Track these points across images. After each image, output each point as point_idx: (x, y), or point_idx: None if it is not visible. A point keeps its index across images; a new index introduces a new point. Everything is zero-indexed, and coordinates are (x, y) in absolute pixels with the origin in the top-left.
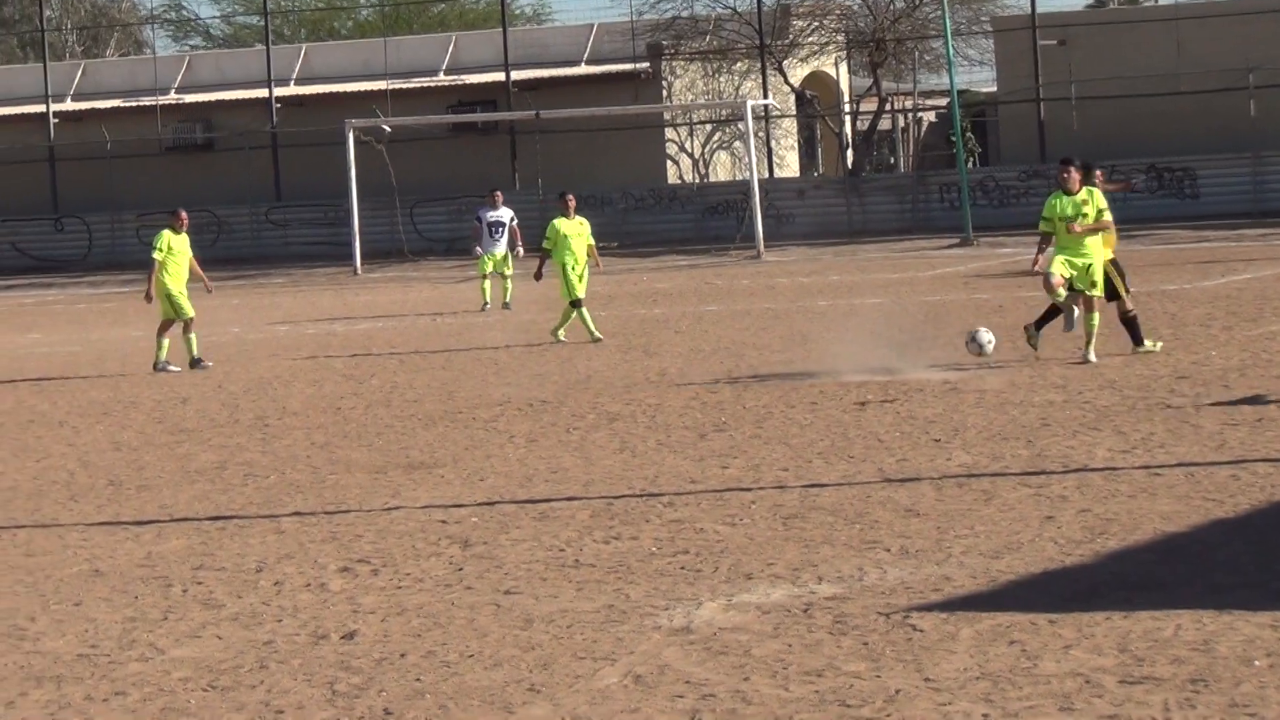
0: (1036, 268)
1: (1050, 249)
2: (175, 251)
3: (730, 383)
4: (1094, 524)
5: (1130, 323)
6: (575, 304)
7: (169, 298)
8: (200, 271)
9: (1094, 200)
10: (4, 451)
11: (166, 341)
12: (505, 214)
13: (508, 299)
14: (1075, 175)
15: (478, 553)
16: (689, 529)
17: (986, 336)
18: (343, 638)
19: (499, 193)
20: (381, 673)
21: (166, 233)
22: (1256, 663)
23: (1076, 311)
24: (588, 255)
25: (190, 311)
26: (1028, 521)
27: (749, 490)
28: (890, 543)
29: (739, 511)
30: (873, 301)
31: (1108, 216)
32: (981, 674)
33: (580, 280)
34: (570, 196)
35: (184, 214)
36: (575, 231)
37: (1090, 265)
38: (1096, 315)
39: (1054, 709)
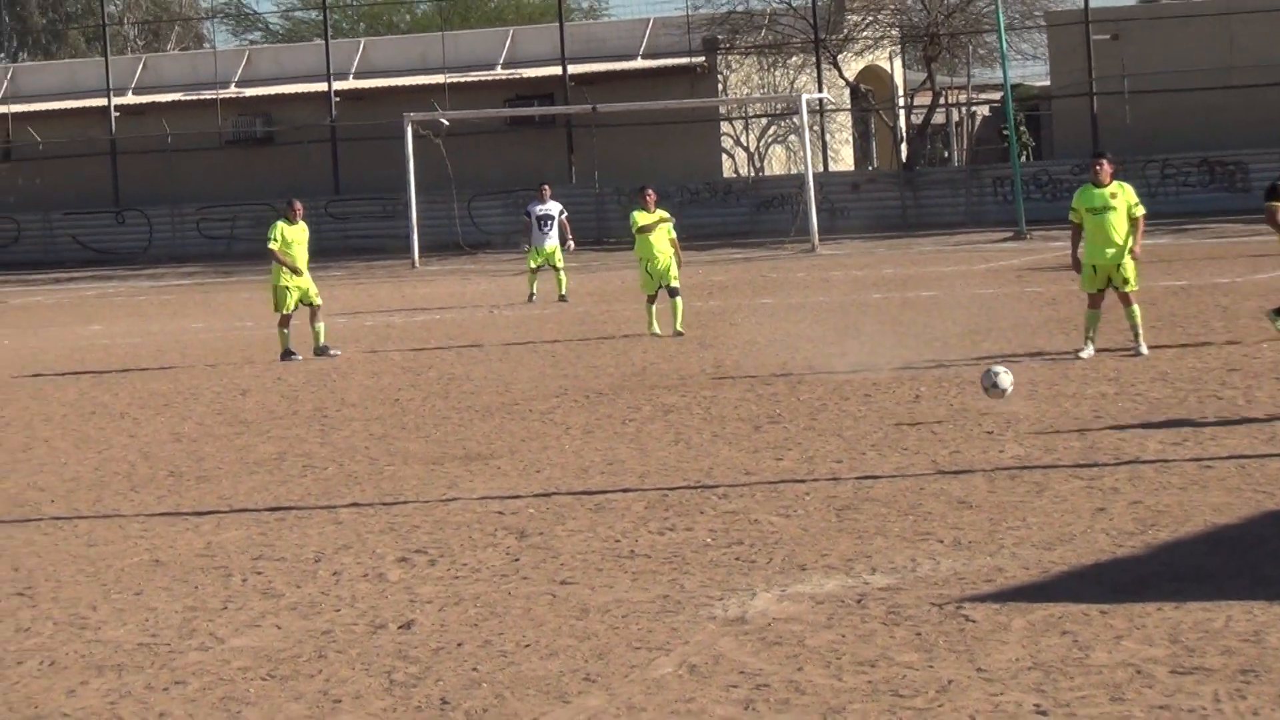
0: (1076, 262)
1: (1083, 243)
2: (290, 241)
3: (784, 375)
4: (1145, 516)
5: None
6: (651, 299)
7: (280, 288)
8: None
9: (1124, 194)
10: (66, 443)
11: (288, 332)
12: (554, 207)
13: (563, 291)
14: (1107, 168)
15: (534, 543)
16: (743, 520)
17: (1007, 380)
18: (400, 627)
19: (547, 186)
20: (439, 662)
21: (281, 223)
22: None
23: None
24: (670, 247)
25: (315, 298)
26: (1079, 513)
27: (803, 482)
28: (943, 534)
29: (793, 503)
30: (927, 295)
31: (1139, 211)
32: (1033, 664)
33: (654, 274)
34: (650, 190)
35: (298, 204)
36: (654, 224)
37: (1121, 263)
38: (1136, 308)
39: (1105, 699)
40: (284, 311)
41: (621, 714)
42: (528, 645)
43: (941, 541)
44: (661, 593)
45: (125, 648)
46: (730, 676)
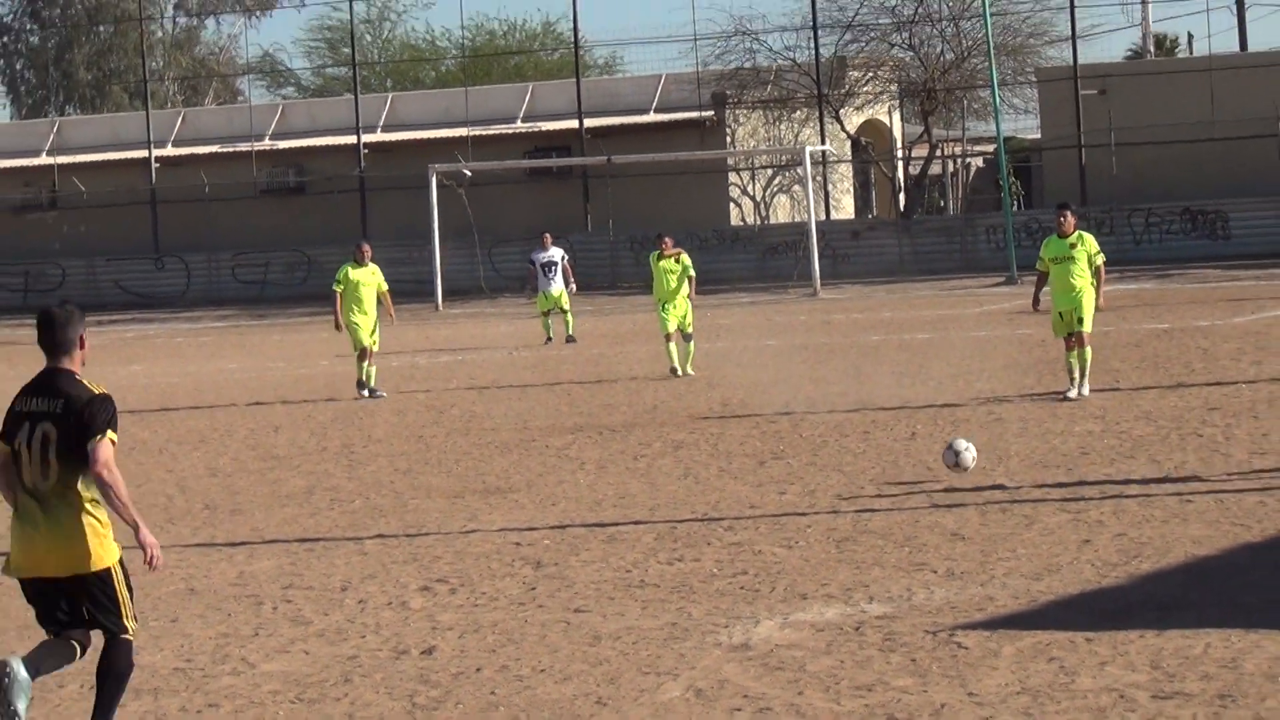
0: (1039, 307)
1: (1047, 288)
2: (356, 282)
3: (788, 414)
4: (1128, 547)
5: None
6: (668, 337)
7: (349, 325)
8: (390, 303)
9: (1084, 244)
10: None
11: (366, 365)
12: (556, 253)
13: (570, 332)
14: (1070, 219)
15: (549, 573)
16: (748, 551)
17: (969, 457)
18: (422, 653)
19: (548, 235)
20: (459, 686)
21: (347, 266)
22: None
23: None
24: (686, 288)
25: (367, 342)
26: (1066, 545)
27: (805, 515)
28: (937, 565)
29: (795, 535)
30: (923, 337)
31: (1100, 259)
32: (1022, 689)
33: (671, 315)
34: (667, 238)
35: (366, 246)
36: (671, 268)
37: (1079, 306)
38: (1089, 350)
39: None
40: (356, 349)
41: None
42: (543, 670)
43: (935, 572)
44: (670, 620)
45: (161, 672)
46: (734, 700)
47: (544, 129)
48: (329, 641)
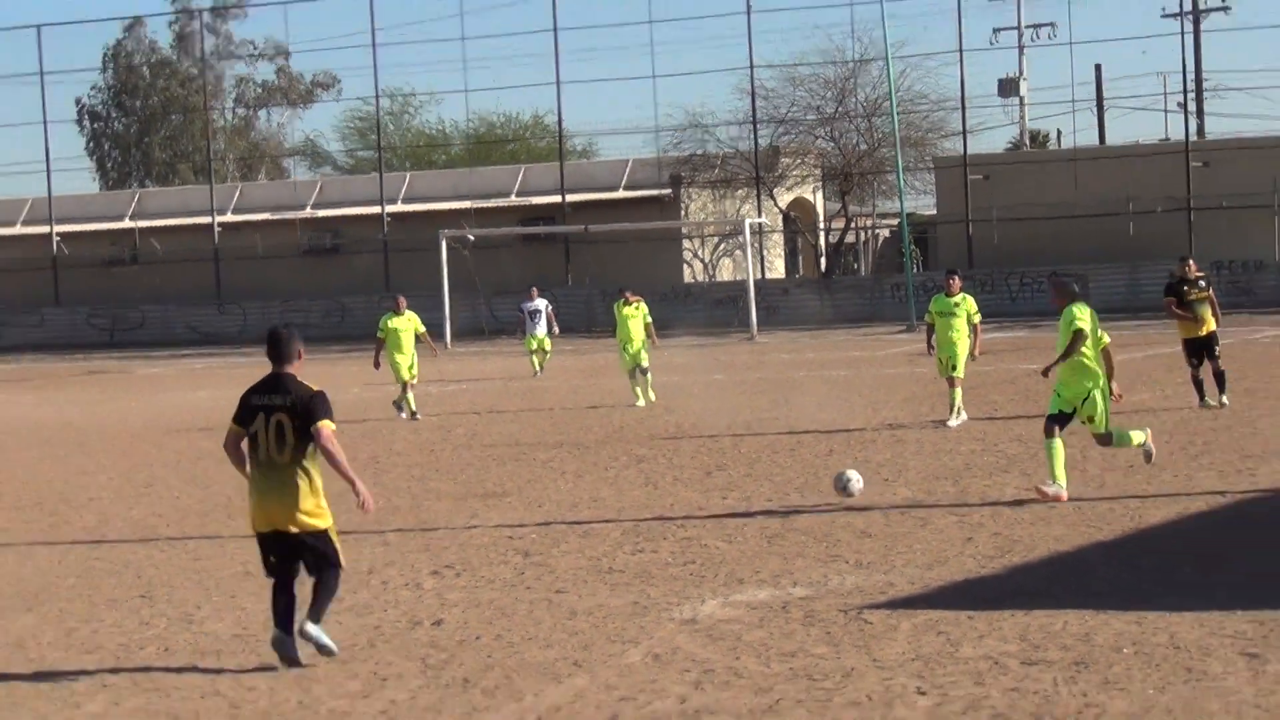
0: (931, 353)
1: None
2: (395, 329)
3: (729, 435)
4: (1003, 544)
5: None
6: (630, 373)
7: (392, 364)
8: (430, 340)
9: (965, 304)
10: (179, 481)
11: (408, 394)
12: (541, 304)
13: (539, 367)
14: (956, 283)
15: (535, 561)
16: (696, 544)
17: (856, 486)
18: (433, 624)
19: (535, 288)
20: (462, 651)
21: (387, 316)
22: (1124, 650)
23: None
24: (645, 333)
25: (406, 376)
26: (952, 541)
27: (742, 516)
28: (848, 556)
29: (734, 532)
30: (841, 373)
31: (977, 318)
32: (916, 656)
33: (634, 355)
34: (628, 292)
35: (402, 299)
36: (631, 314)
37: (954, 355)
38: (959, 390)
39: (970, 683)
40: (399, 382)
41: (601, 691)
42: (530, 639)
43: (847, 562)
44: (633, 599)
45: (223, 638)
46: (685, 663)
47: (533, 202)
48: (357, 614)
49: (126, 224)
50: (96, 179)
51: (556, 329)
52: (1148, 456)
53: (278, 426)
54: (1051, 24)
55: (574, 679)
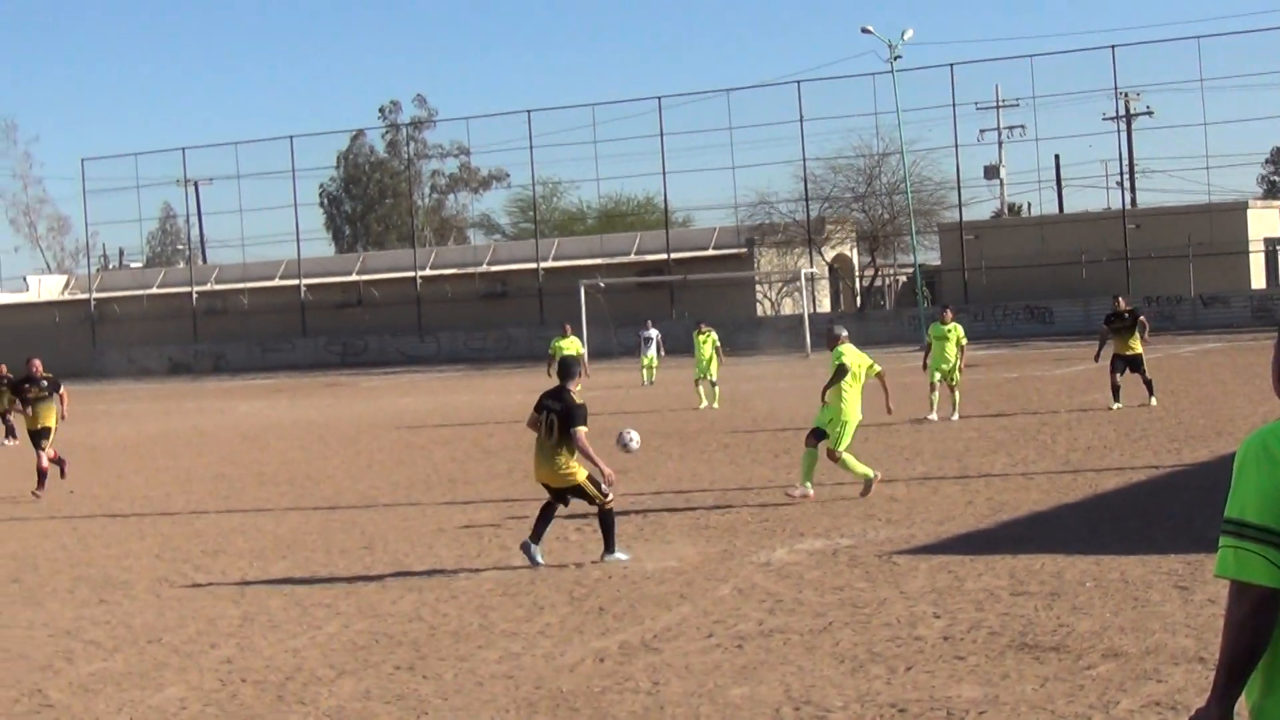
0: (925, 368)
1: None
2: (561, 348)
3: (792, 428)
4: (995, 506)
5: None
6: (698, 382)
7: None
8: (584, 361)
9: (956, 331)
10: (391, 463)
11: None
12: (653, 333)
13: (653, 379)
14: (949, 314)
15: (651, 520)
16: (769, 508)
17: (628, 437)
18: (576, 566)
19: (649, 321)
20: (598, 586)
21: (557, 337)
22: (1087, 584)
23: None
24: (715, 354)
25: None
26: (957, 504)
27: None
28: (881, 515)
29: (797, 498)
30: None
31: (964, 341)
32: (932, 589)
33: (704, 369)
34: (703, 324)
35: (568, 326)
36: (704, 340)
37: (947, 370)
38: (958, 393)
39: (972, 609)
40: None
41: (700, 615)
42: (648, 577)
43: (880, 520)
44: (722, 548)
45: (424, 576)
46: (761, 595)
47: (647, 259)
48: (521, 560)
49: (353, 277)
50: (331, 245)
51: (663, 351)
52: (866, 489)
53: (550, 421)
54: (1022, 126)
55: (680, 607)
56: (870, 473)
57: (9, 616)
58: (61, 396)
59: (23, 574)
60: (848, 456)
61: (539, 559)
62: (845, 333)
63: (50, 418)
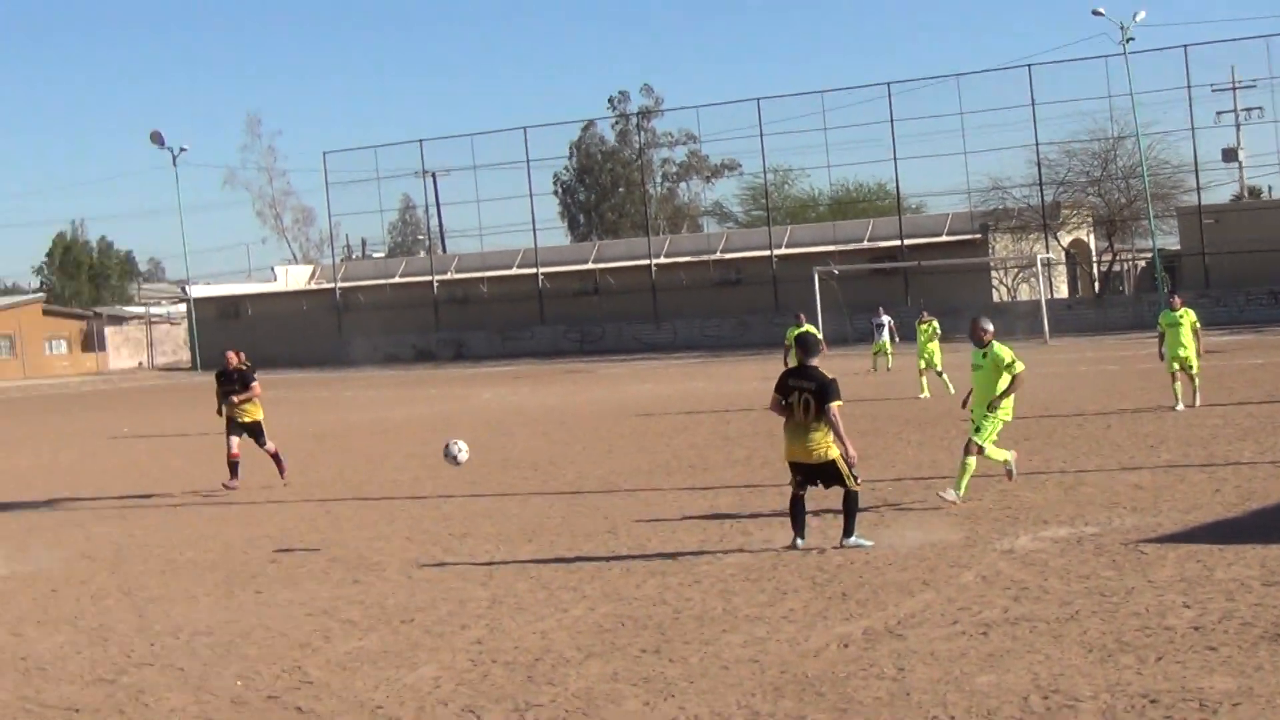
0: (1162, 358)
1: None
2: (795, 336)
3: (1032, 415)
4: (1244, 494)
5: None
6: (922, 371)
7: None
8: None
9: (1186, 316)
10: (631, 448)
11: None
12: (886, 320)
13: (885, 367)
14: (1178, 301)
15: (893, 504)
16: (1010, 495)
17: (455, 449)
18: (818, 552)
19: (881, 308)
20: (840, 573)
21: (791, 327)
22: None
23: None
24: (932, 340)
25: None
26: (1204, 492)
27: (1043, 473)
28: (1126, 504)
29: (1038, 485)
30: (1111, 368)
31: (1197, 325)
32: (1181, 578)
33: (928, 359)
34: (925, 312)
35: (801, 315)
36: (924, 330)
37: (1181, 357)
38: (1197, 379)
39: (1223, 599)
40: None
41: (944, 602)
42: (890, 563)
43: (1125, 508)
44: (965, 534)
45: (668, 560)
46: (1005, 583)
47: (879, 245)
48: (765, 544)
49: (589, 266)
50: (567, 234)
51: (897, 338)
52: (1009, 473)
53: (805, 400)
54: (1260, 107)
55: (924, 593)
56: (1010, 456)
57: (269, 595)
58: (251, 387)
59: (281, 555)
60: (991, 448)
61: (801, 544)
62: (992, 327)
63: (255, 411)
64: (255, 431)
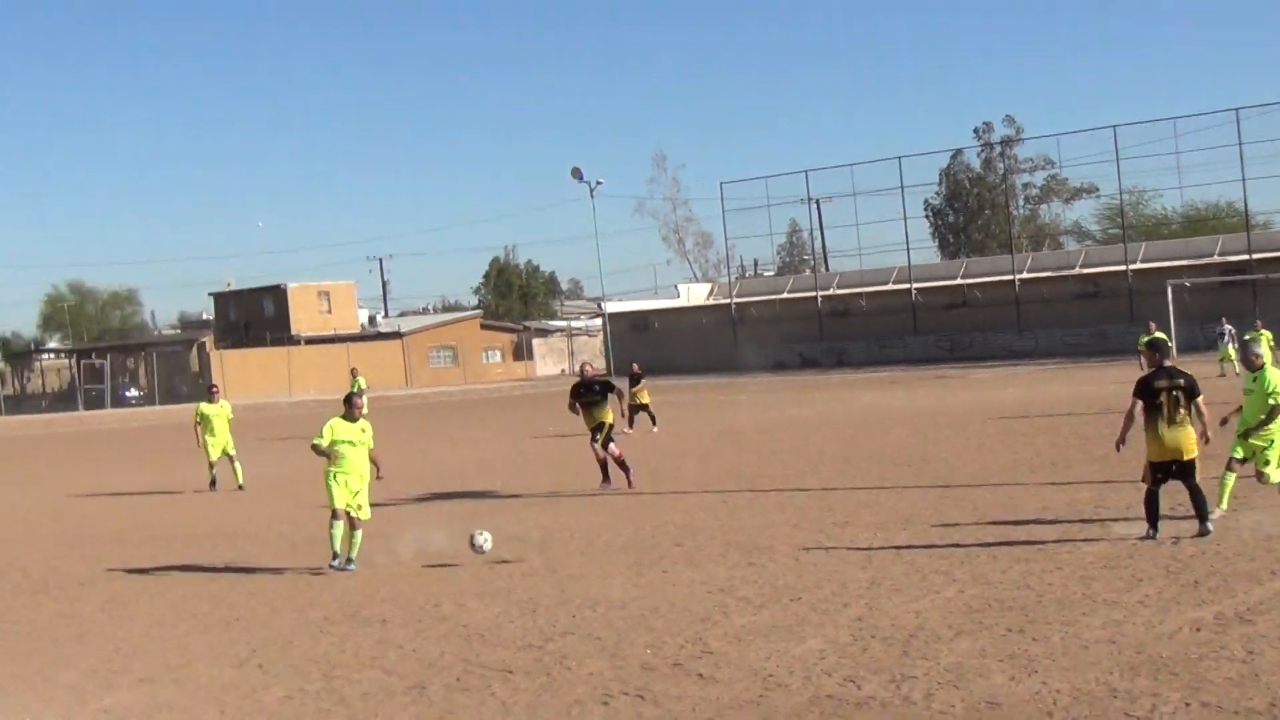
0: None
1: None
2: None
3: None
4: None
5: None
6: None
7: None
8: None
9: None
10: (997, 445)
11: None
12: (1228, 328)
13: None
14: None
15: (1234, 496)
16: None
17: (480, 540)
18: (1172, 543)
19: (1224, 318)
20: (1193, 562)
21: (1141, 335)
22: None
23: None
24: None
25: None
26: None
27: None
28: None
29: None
30: None
31: None
32: None
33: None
34: (1259, 321)
35: (1153, 324)
36: (1249, 339)
37: None
38: None
39: None
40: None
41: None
42: (1239, 554)
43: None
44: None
45: (1030, 546)
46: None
47: (1229, 260)
48: (1125, 536)
49: (958, 281)
50: (937, 253)
51: (1235, 345)
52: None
53: (1174, 398)
54: None
55: (1272, 582)
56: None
57: (674, 575)
58: (619, 395)
59: (684, 539)
60: (1231, 481)
61: (1156, 536)
62: (1264, 352)
63: (605, 415)
64: (598, 430)
